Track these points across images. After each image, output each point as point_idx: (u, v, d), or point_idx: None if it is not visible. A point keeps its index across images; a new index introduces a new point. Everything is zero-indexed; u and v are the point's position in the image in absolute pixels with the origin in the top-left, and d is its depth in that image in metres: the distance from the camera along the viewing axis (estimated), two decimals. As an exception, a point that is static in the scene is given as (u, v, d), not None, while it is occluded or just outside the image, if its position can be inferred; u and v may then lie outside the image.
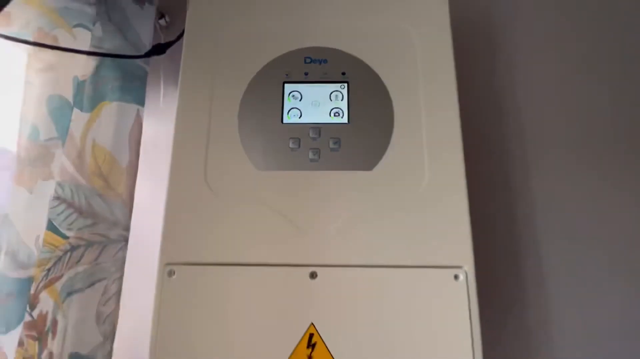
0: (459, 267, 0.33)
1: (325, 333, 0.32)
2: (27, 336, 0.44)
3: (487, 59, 0.62)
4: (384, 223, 0.34)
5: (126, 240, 0.45)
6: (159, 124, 0.59)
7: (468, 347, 0.31)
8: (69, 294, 0.41)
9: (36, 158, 0.39)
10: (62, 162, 0.45)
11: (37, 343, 0.44)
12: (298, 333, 0.32)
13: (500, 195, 0.55)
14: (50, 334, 0.43)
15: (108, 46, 0.49)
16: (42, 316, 0.44)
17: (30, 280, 0.39)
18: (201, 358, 0.31)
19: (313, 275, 0.33)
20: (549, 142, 0.58)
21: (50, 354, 0.41)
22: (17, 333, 0.38)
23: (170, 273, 0.33)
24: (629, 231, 0.55)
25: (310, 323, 0.32)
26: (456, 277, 0.33)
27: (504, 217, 0.54)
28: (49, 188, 0.41)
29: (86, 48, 0.45)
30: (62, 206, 0.45)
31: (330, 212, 0.34)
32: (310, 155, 0.36)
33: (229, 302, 0.33)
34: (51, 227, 0.44)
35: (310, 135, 0.37)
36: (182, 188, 0.35)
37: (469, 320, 0.32)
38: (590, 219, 0.56)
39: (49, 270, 0.44)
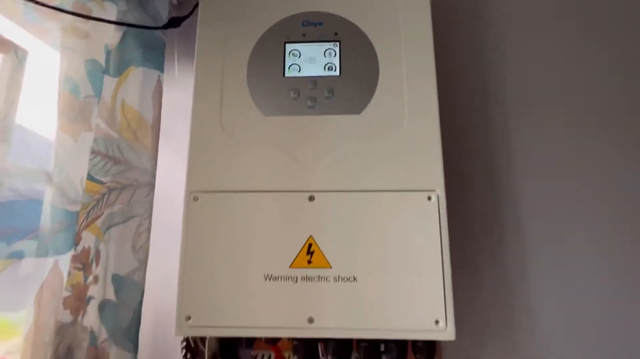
0: (432, 190, 0.40)
1: (321, 243, 0.39)
2: (73, 267, 0.52)
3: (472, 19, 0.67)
4: (369, 156, 0.41)
5: (153, 186, 0.53)
6: (175, 91, 0.66)
7: (438, 256, 0.38)
8: (109, 228, 0.49)
9: (78, 112, 0.46)
10: (96, 121, 0.52)
11: (82, 272, 0.53)
12: (299, 244, 0.39)
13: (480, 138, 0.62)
14: (93, 263, 0.51)
15: (131, 19, 0.55)
16: (85, 251, 0.52)
17: (76, 214, 0.47)
18: (220, 268, 0.39)
19: (311, 198, 0.40)
20: (532, 93, 0.64)
21: (96, 277, 0.49)
22: (67, 257, 0.46)
23: (195, 199, 0.41)
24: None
25: (309, 235, 0.39)
26: (429, 198, 0.39)
27: (482, 155, 0.62)
28: (89, 140, 0.48)
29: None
30: (99, 158, 0.52)
31: (324, 148, 0.41)
32: (308, 103, 0.43)
33: (243, 222, 0.40)
34: (90, 177, 0.52)
35: (308, 86, 0.44)
36: (201, 131, 0.42)
37: (439, 234, 0.39)
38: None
39: (89, 212, 0.52)
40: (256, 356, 0.57)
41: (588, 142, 0.64)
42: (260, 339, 0.45)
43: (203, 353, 0.58)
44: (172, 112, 0.62)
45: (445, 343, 0.57)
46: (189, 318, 0.38)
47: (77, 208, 0.48)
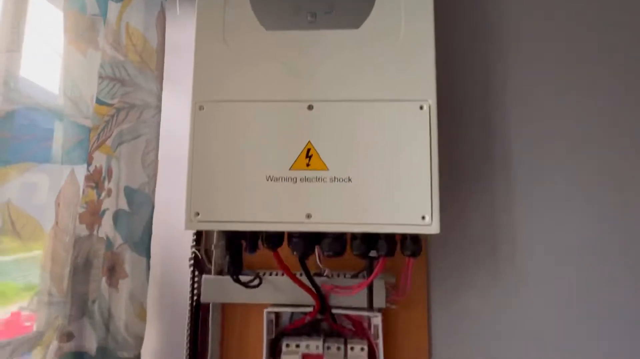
0: (424, 100, 0.42)
1: (319, 147, 0.42)
2: (87, 186, 0.56)
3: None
4: (365, 68, 0.43)
5: (159, 109, 0.55)
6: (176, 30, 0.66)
7: (427, 159, 0.41)
8: (119, 144, 0.52)
9: (85, 29, 0.47)
10: (103, 45, 0.53)
11: (95, 190, 0.56)
12: (299, 148, 0.42)
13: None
14: (106, 180, 0.55)
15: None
16: (97, 170, 0.56)
17: (89, 130, 0.50)
18: (225, 170, 0.42)
19: (310, 107, 0.43)
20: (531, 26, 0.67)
21: (109, 190, 0.53)
22: (82, 169, 0.50)
23: (200, 108, 0.43)
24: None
25: (307, 141, 0.42)
26: (421, 107, 0.42)
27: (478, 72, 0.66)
28: (97, 60, 0.50)
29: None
30: (106, 82, 0.54)
31: (323, 60, 0.43)
32: (308, 18, 0.44)
33: (245, 128, 0.43)
34: (98, 101, 0.54)
35: (308, 1, 0.45)
36: (205, 45, 0.44)
37: (429, 140, 0.42)
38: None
39: (99, 134, 0.55)
40: (257, 274, 0.62)
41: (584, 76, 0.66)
42: (262, 244, 0.49)
43: (209, 269, 0.63)
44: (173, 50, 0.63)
45: (430, 245, 0.63)
46: (197, 214, 0.42)
47: (89, 124, 0.50)
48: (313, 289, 0.54)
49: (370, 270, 0.54)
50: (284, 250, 0.50)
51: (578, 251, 0.64)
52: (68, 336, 0.55)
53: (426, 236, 0.61)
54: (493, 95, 0.67)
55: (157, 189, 0.58)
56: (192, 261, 0.63)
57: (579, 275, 0.64)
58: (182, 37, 0.65)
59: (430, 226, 0.40)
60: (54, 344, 0.50)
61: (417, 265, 0.64)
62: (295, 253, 0.44)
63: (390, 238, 0.43)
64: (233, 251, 0.47)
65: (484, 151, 0.66)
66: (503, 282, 0.64)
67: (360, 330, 0.61)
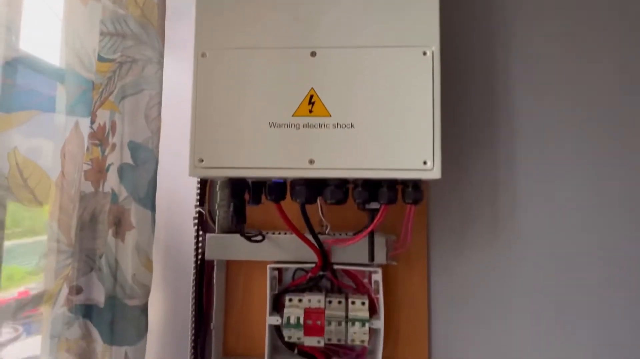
0: (428, 46, 0.42)
1: (322, 94, 0.42)
2: (91, 143, 0.56)
3: None
4: (369, 15, 0.42)
5: (162, 65, 0.55)
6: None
7: (429, 105, 0.42)
8: (122, 99, 0.52)
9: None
10: (102, 2, 0.53)
11: (99, 147, 0.57)
12: (301, 95, 0.42)
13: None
14: (110, 136, 0.55)
15: None
16: (101, 127, 0.56)
17: (92, 83, 0.50)
18: (229, 117, 0.42)
19: (313, 54, 0.42)
20: None
21: (113, 145, 0.53)
22: (86, 122, 0.50)
23: (203, 55, 0.43)
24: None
25: (310, 87, 0.42)
26: (424, 53, 0.42)
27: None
28: (98, 12, 0.50)
29: None
30: (107, 38, 0.54)
31: (326, 7, 0.43)
32: (311, -36, 0.44)
33: (248, 75, 0.43)
34: (100, 58, 0.54)
35: (311, -53, 0.44)
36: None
37: (432, 86, 0.42)
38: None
39: (102, 91, 0.55)
40: (260, 232, 0.63)
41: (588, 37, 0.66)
42: (265, 197, 0.50)
43: (213, 229, 0.64)
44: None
45: (431, 202, 0.64)
46: (201, 160, 0.42)
47: (91, 76, 0.50)
48: (315, 242, 0.55)
49: (371, 238, 0.55)
50: (287, 204, 0.51)
51: (578, 209, 0.65)
52: (77, 290, 0.56)
53: (428, 184, 0.62)
54: (497, 47, 0.66)
55: (160, 155, 0.59)
56: (196, 220, 0.64)
57: (578, 232, 0.65)
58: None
59: (432, 170, 0.40)
60: (64, 292, 0.52)
61: (417, 222, 0.65)
62: (297, 200, 0.45)
63: (391, 186, 0.44)
64: (236, 203, 0.48)
65: (488, 102, 0.66)
66: (502, 239, 0.65)
67: (360, 286, 0.62)
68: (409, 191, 0.43)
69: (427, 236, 0.64)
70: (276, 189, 0.48)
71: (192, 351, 0.61)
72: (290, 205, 0.52)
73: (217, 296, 0.62)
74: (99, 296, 0.56)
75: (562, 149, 0.66)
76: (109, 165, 0.54)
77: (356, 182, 0.45)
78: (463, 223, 0.65)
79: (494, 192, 0.65)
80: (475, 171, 0.66)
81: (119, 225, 0.52)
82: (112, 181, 0.53)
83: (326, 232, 0.60)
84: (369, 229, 0.46)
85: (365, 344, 0.58)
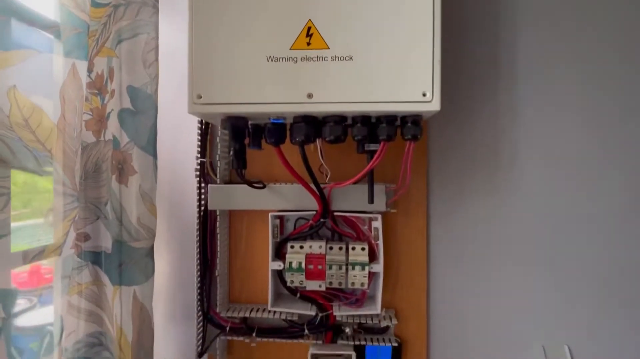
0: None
1: (319, 26, 0.41)
2: (90, 93, 0.56)
3: None
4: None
5: (157, 9, 0.54)
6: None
7: (429, 36, 0.41)
8: (119, 42, 0.52)
9: None
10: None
11: (98, 97, 0.57)
12: (299, 27, 0.41)
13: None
14: (108, 83, 0.55)
15: None
16: (99, 76, 0.56)
17: (87, 25, 0.49)
18: (226, 51, 0.42)
19: (310, -14, 0.41)
20: None
21: (112, 92, 0.53)
22: (84, 65, 0.50)
23: (198, -12, 0.42)
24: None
25: (308, 19, 0.41)
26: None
27: None
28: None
29: None
30: (101, -19, 0.53)
31: None
32: None
33: (244, 8, 0.42)
34: (94, 3, 0.53)
35: None
36: None
37: (432, 16, 0.41)
38: None
39: (98, 38, 0.54)
40: (261, 181, 0.63)
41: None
42: (264, 140, 0.50)
43: (215, 180, 0.65)
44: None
45: (430, 141, 0.64)
46: (199, 96, 0.42)
47: (86, 18, 0.50)
48: (315, 187, 0.55)
49: (370, 178, 0.55)
50: (288, 152, 0.51)
51: (577, 158, 0.65)
52: (85, 237, 0.58)
53: (428, 131, 0.62)
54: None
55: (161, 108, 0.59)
56: (198, 172, 0.65)
57: (578, 183, 0.65)
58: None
59: (431, 102, 0.40)
60: (72, 236, 0.53)
61: (417, 171, 0.65)
62: (297, 139, 0.45)
63: (390, 121, 0.43)
64: (237, 146, 0.48)
65: (491, 38, 0.65)
66: (502, 188, 0.65)
67: (361, 234, 0.63)
68: (408, 126, 0.43)
69: (426, 184, 0.65)
70: (275, 131, 0.48)
71: (199, 297, 0.63)
72: (291, 154, 0.52)
73: (220, 245, 0.64)
74: (107, 243, 0.58)
75: (564, 99, 0.65)
76: (109, 113, 0.55)
77: (355, 119, 0.44)
78: (463, 171, 0.65)
79: (494, 140, 0.65)
80: (476, 119, 0.65)
81: (122, 170, 0.53)
82: (113, 127, 0.54)
83: (326, 180, 0.60)
84: (369, 167, 0.46)
85: (365, 287, 0.60)
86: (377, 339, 0.63)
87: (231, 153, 0.48)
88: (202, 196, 0.64)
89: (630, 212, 0.64)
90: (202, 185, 0.65)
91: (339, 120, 0.43)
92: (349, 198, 0.60)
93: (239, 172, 0.51)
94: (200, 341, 0.64)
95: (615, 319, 0.64)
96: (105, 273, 0.58)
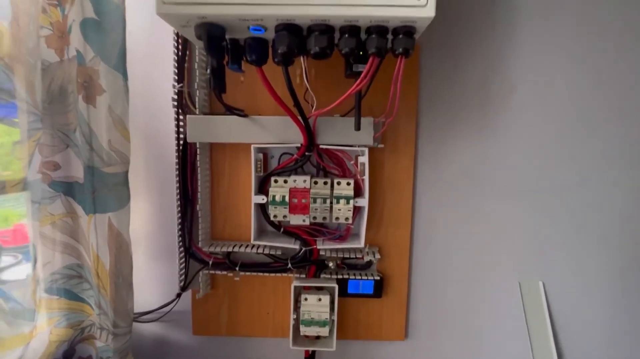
0: None
1: None
2: (48, 4, 0.50)
3: None
4: None
5: None
6: None
7: None
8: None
9: None
10: None
11: (58, 8, 0.51)
12: None
13: None
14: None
15: None
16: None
17: None
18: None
19: None
20: None
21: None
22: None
23: None
24: None
25: None
26: None
27: None
28: None
29: None
30: None
31: None
32: None
33: None
34: None
35: None
36: None
37: None
38: None
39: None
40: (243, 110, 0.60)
41: None
42: (244, 60, 0.46)
43: (193, 111, 0.61)
44: None
45: (421, 78, 0.62)
46: (169, -5, 0.37)
47: None
48: (299, 114, 0.52)
49: (358, 100, 0.52)
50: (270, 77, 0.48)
51: (571, 99, 0.63)
52: (55, 166, 0.55)
53: (419, 63, 0.58)
54: None
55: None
56: (175, 101, 0.61)
57: (571, 123, 0.64)
58: None
59: (425, 7, 0.37)
60: (37, 159, 0.50)
61: (406, 106, 0.62)
62: (279, 51, 0.41)
63: (381, 34, 0.40)
64: (214, 62, 0.44)
65: None
66: (492, 126, 0.64)
67: (347, 172, 0.62)
68: (399, 38, 0.40)
69: (416, 121, 0.62)
70: (256, 48, 0.44)
71: (180, 233, 0.62)
72: (275, 85, 0.48)
73: (201, 180, 0.61)
74: (78, 172, 0.55)
75: (559, 33, 0.61)
76: (71, 25, 0.49)
77: (343, 30, 0.41)
78: (454, 110, 0.63)
79: (485, 77, 0.63)
80: (467, 53, 0.62)
81: (89, 88, 0.49)
82: (76, 41, 0.48)
83: (312, 111, 0.57)
84: (356, 85, 0.43)
85: (350, 222, 0.59)
86: (360, 274, 0.64)
87: (208, 71, 0.44)
88: (181, 129, 0.61)
89: (624, 151, 0.64)
90: (181, 117, 0.61)
91: (325, 29, 0.40)
92: (336, 131, 0.58)
93: (217, 95, 0.47)
94: (183, 276, 0.63)
95: (589, 258, 0.66)
96: (79, 204, 0.55)
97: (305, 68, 0.48)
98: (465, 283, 0.67)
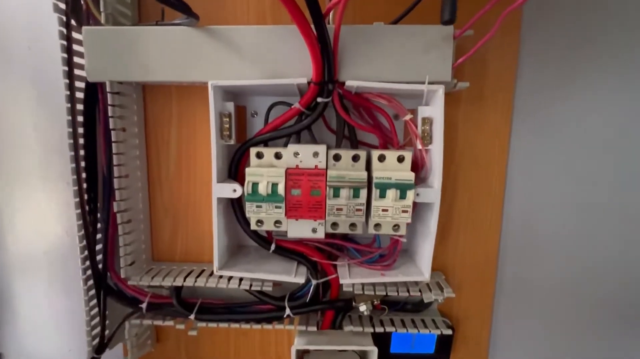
0: None
1: None
2: None
3: None
4: None
5: None
6: None
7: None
8: None
9: None
10: None
11: None
12: None
13: None
14: None
15: None
16: None
17: None
18: None
19: None
20: None
21: None
22: None
23: None
24: None
25: None
26: None
27: None
28: None
29: None
30: None
31: None
32: None
33: None
34: None
35: None
36: None
37: None
38: None
39: None
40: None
41: None
42: None
43: (97, 18, 0.32)
44: None
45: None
46: None
47: None
48: (312, 18, 0.24)
49: None
50: None
51: None
52: None
53: None
54: None
55: None
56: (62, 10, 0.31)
57: None
58: None
59: None
60: None
61: (506, 20, 0.35)
62: None
63: None
64: None
65: None
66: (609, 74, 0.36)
67: (392, 135, 0.34)
68: None
69: (518, 49, 0.34)
70: None
71: (86, 254, 0.34)
72: None
73: (124, 157, 0.33)
74: None
75: None
76: None
77: None
78: (568, 49, 0.35)
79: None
80: None
81: None
82: None
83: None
84: None
85: (401, 233, 0.32)
86: (413, 322, 0.37)
87: None
88: (75, 58, 0.32)
89: None
90: (73, 33, 0.32)
91: None
92: (377, 53, 0.29)
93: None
94: (98, 329, 0.36)
95: None
96: None
97: None
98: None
